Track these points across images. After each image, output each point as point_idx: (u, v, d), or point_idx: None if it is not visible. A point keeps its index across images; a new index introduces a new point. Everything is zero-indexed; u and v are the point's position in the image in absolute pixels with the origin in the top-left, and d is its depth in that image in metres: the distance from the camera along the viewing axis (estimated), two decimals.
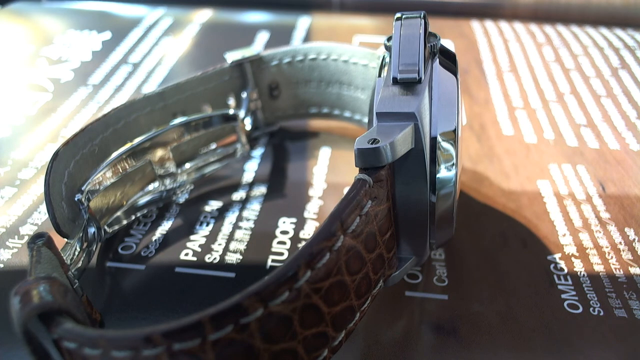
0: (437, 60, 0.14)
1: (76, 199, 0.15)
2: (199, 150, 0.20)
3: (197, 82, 0.20)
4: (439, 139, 0.13)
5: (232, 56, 0.20)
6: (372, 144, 0.12)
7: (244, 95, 0.21)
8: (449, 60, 0.14)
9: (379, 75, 0.15)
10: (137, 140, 0.17)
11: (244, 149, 0.21)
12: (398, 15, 0.15)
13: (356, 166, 0.12)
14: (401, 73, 0.13)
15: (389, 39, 0.15)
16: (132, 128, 0.18)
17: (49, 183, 0.15)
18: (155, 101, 0.19)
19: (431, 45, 0.14)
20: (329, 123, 0.23)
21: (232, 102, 0.21)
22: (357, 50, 0.20)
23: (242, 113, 0.21)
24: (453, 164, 0.13)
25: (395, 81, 0.13)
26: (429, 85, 0.13)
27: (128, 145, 0.17)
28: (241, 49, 0.21)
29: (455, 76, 0.14)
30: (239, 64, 0.20)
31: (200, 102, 0.20)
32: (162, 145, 0.18)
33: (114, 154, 0.17)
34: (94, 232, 0.16)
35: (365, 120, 0.21)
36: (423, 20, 0.14)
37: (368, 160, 0.12)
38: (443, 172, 0.13)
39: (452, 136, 0.13)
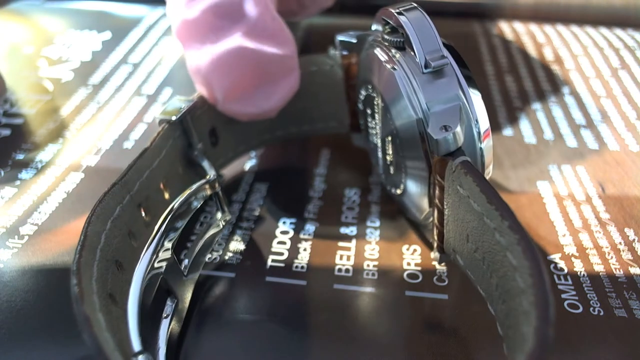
0: None
1: None
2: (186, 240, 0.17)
3: (151, 156, 0.16)
4: (475, 110, 0.14)
5: (170, 112, 0.17)
6: (446, 130, 0.13)
7: (195, 156, 0.17)
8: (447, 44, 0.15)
9: (394, 69, 0.15)
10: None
11: (228, 216, 0.17)
12: (395, 10, 0.15)
13: (437, 155, 0.13)
14: (432, 60, 0.14)
15: (392, 32, 0.15)
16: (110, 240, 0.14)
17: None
18: (122, 195, 0.14)
19: None
20: None
21: (180, 170, 0.17)
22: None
23: (211, 174, 0.17)
24: (490, 132, 0.14)
25: (426, 70, 0.14)
26: (452, 65, 0.14)
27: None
28: (179, 98, 0.17)
29: (457, 50, 0.15)
30: (180, 120, 0.17)
31: (158, 180, 0.16)
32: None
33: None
34: None
35: (332, 124, 0.20)
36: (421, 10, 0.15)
37: (448, 146, 0.13)
38: (484, 141, 0.14)
39: (483, 105, 0.14)
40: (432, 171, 0.14)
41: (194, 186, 0.16)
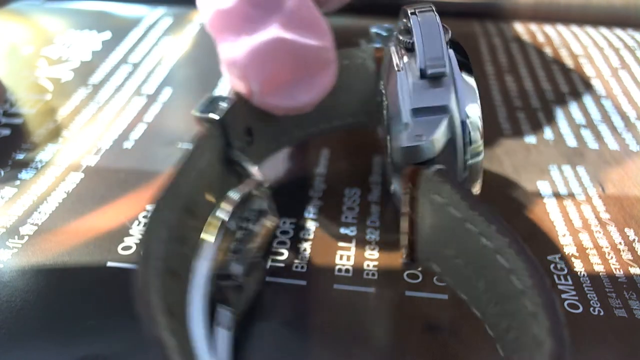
0: (451, 49, 0.14)
1: None
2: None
3: (196, 158, 0.15)
4: (469, 124, 0.14)
5: (209, 110, 0.16)
6: (417, 140, 0.13)
7: (236, 155, 0.17)
8: (458, 47, 0.15)
9: (398, 70, 0.15)
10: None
11: (276, 220, 0.17)
12: (411, 10, 0.15)
13: (403, 163, 0.13)
14: (430, 68, 0.14)
15: (402, 33, 0.15)
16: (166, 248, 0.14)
17: None
18: (173, 200, 0.14)
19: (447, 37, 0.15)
20: None
21: (221, 170, 0.16)
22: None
23: (257, 176, 0.16)
24: (481, 149, 0.14)
25: (423, 76, 0.14)
26: (453, 75, 0.14)
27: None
28: (211, 100, 0.16)
29: (469, 61, 0.15)
30: (221, 119, 0.16)
31: (204, 182, 0.15)
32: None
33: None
34: None
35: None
36: (436, 13, 0.15)
37: (416, 156, 0.13)
38: (472, 157, 0.14)
39: (479, 121, 0.14)
40: (405, 179, 0.14)
41: (244, 190, 0.15)
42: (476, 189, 0.15)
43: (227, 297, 0.14)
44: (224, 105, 0.16)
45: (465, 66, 0.14)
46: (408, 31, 0.15)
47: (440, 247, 0.14)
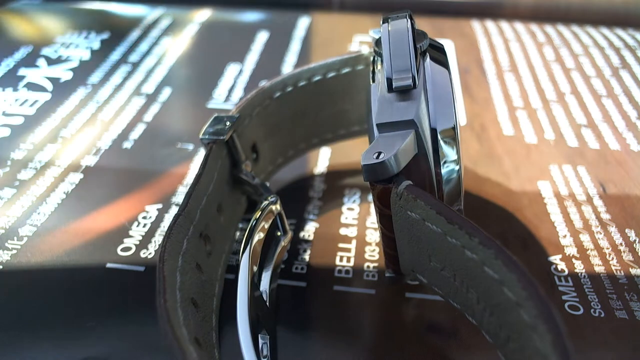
0: (428, 58, 0.14)
1: None
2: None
3: (206, 182, 0.15)
4: (440, 138, 0.13)
5: (215, 132, 0.16)
6: (377, 158, 0.12)
7: (243, 174, 0.17)
8: (438, 53, 0.14)
9: (373, 81, 0.14)
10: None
11: (289, 235, 0.17)
12: (384, 18, 0.14)
13: (365, 181, 0.13)
14: (395, 81, 0.13)
15: (377, 43, 0.15)
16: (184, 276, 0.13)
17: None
18: (187, 227, 0.14)
19: (420, 46, 0.14)
20: None
21: (229, 191, 0.17)
22: (330, 64, 0.18)
23: (268, 195, 0.16)
24: (456, 161, 0.13)
25: (390, 89, 0.13)
26: (424, 87, 0.13)
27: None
28: (216, 121, 0.16)
29: (448, 70, 0.14)
30: (228, 139, 0.16)
31: (214, 205, 0.16)
32: None
33: None
34: None
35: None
36: (410, 21, 0.14)
37: (376, 174, 0.12)
38: (447, 171, 0.13)
39: (452, 133, 0.13)
40: (374, 198, 0.13)
41: (262, 211, 0.15)
42: (457, 201, 0.14)
43: (262, 323, 0.14)
44: (228, 125, 0.16)
45: (441, 74, 0.14)
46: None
47: (424, 260, 0.13)
